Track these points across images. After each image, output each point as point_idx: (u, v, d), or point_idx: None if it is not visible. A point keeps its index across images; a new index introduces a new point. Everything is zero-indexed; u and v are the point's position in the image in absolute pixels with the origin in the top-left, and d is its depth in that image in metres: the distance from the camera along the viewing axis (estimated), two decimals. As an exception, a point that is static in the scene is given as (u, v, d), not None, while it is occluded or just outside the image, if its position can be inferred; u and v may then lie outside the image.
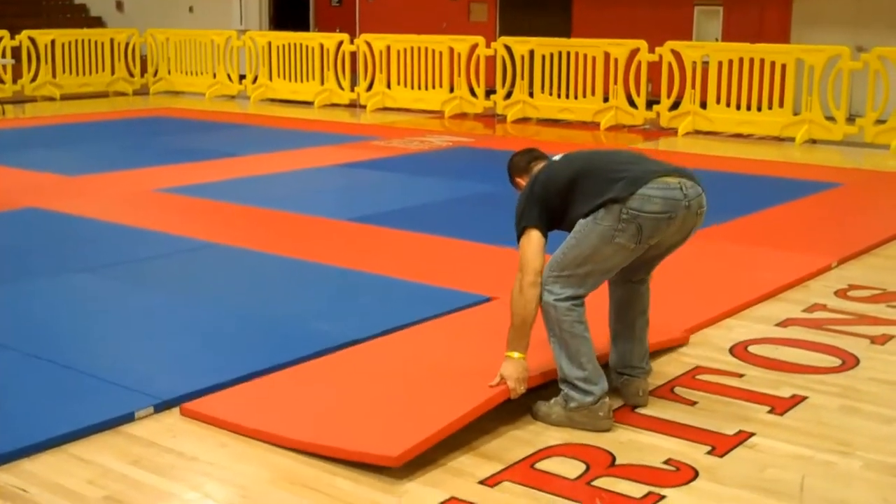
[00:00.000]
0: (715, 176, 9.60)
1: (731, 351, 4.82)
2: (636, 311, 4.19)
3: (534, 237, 3.90)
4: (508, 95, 14.14)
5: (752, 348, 4.85)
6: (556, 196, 3.95)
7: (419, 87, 15.00)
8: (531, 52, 13.88)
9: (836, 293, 5.78)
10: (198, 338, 4.90)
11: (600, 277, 3.96)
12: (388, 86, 15.21)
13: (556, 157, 4.15)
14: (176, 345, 4.80)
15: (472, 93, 14.50)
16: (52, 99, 16.22)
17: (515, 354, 3.91)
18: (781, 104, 12.19)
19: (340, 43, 15.56)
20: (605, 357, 4.22)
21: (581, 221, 3.88)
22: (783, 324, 5.23)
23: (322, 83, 15.77)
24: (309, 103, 15.65)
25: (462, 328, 5.01)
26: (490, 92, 14.38)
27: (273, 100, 16.23)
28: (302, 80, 16.03)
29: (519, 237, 3.96)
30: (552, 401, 3.99)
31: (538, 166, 4.21)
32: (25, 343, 4.75)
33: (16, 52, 16.02)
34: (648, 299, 4.24)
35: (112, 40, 17.37)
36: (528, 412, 4.02)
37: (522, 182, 4.21)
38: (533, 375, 4.02)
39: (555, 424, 3.93)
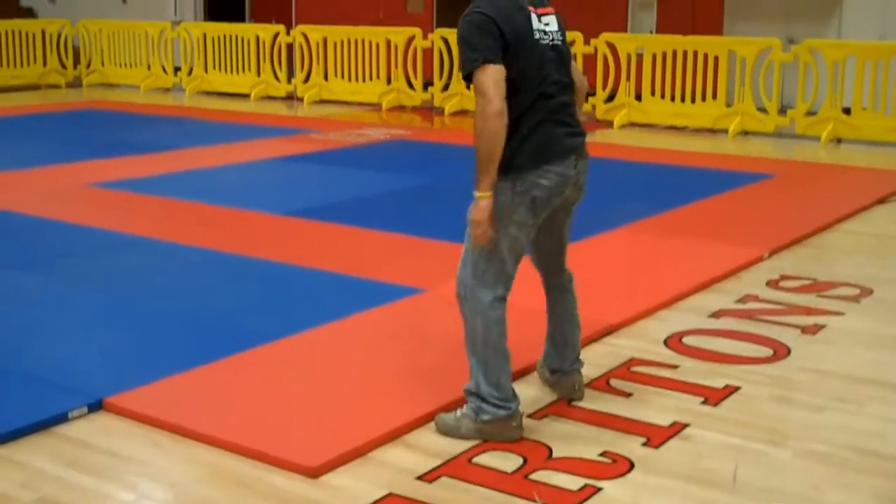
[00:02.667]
0: (650, 168, 9.74)
1: (666, 342, 4.88)
2: (564, 316, 4.13)
3: (492, 70, 3.55)
4: (446, 88, 14.14)
5: (686, 339, 4.92)
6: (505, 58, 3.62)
7: (356, 80, 14.95)
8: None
9: (768, 283, 5.87)
10: (130, 335, 4.85)
11: (514, 265, 3.77)
12: (325, 78, 15.15)
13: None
14: (108, 342, 4.75)
15: (410, 85, 14.50)
16: (-19, 91, 15.95)
17: (476, 193, 3.62)
18: (715, 96, 12.34)
19: (277, 34, 15.46)
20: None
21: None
22: (716, 314, 5.30)
23: (258, 75, 15.65)
24: (245, 96, 15.53)
25: (395, 321, 5.02)
26: (428, 84, 14.38)
27: (209, 92, 16.08)
28: (238, 72, 15.89)
29: (471, 73, 3.58)
30: (458, 413, 3.83)
31: None
32: (-45, 342, 4.68)
33: (-56, 43, 15.71)
34: (574, 303, 4.15)
35: (44, 31, 17.08)
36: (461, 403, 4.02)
37: None
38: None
39: (463, 438, 3.76)
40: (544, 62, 3.73)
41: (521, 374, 4.27)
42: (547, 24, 3.78)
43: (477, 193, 3.61)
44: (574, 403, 4.13)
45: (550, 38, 3.77)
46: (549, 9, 3.84)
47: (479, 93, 3.55)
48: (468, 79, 3.60)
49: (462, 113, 13.93)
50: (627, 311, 5.20)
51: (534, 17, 3.74)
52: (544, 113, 3.71)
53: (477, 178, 3.61)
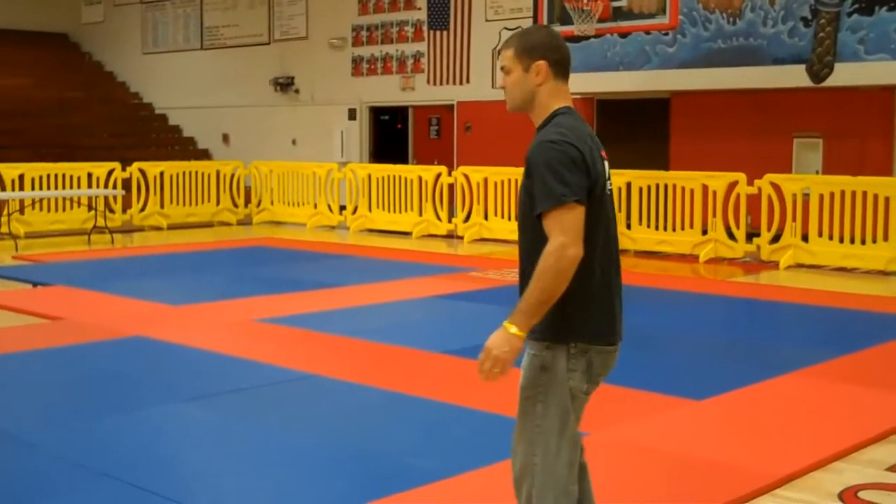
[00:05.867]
0: (819, 311, 9.45)
1: (841, 496, 4.64)
2: (588, 500, 3.51)
3: (580, 211, 3.19)
4: (605, 227, 14.11)
5: (862, 494, 4.67)
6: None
7: (517, 219, 15.05)
8: (628, 185, 13.91)
9: (951, 436, 5.56)
10: (295, 471, 4.89)
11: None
12: (486, 217, 15.36)
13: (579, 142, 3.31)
14: (274, 478, 4.80)
15: (569, 224, 14.53)
16: (159, 229, 16.74)
17: (513, 329, 3.22)
18: (886, 238, 11.96)
19: (438, 175, 15.84)
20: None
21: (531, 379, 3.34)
22: (894, 468, 5.03)
23: (420, 214, 16.01)
24: (407, 234, 15.87)
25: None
26: (587, 223, 14.38)
27: (372, 230, 16.50)
28: (400, 211, 16.29)
29: (553, 209, 3.19)
30: None
31: (563, 103, 3.45)
32: (130, 473, 4.80)
33: (126, 183, 16.64)
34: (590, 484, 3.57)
35: (218, 172, 17.96)
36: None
37: (538, 63, 3.38)
38: None
39: None
40: (611, 219, 3.39)
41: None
42: (608, 173, 3.42)
43: (515, 330, 3.21)
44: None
45: (609, 190, 3.41)
46: (604, 154, 3.45)
47: (562, 231, 3.13)
48: (542, 213, 3.21)
49: (622, 252, 13.81)
50: (799, 462, 4.98)
51: (605, 162, 3.40)
52: (605, 276, 3.33)
53: (522, 316, 3.20)
